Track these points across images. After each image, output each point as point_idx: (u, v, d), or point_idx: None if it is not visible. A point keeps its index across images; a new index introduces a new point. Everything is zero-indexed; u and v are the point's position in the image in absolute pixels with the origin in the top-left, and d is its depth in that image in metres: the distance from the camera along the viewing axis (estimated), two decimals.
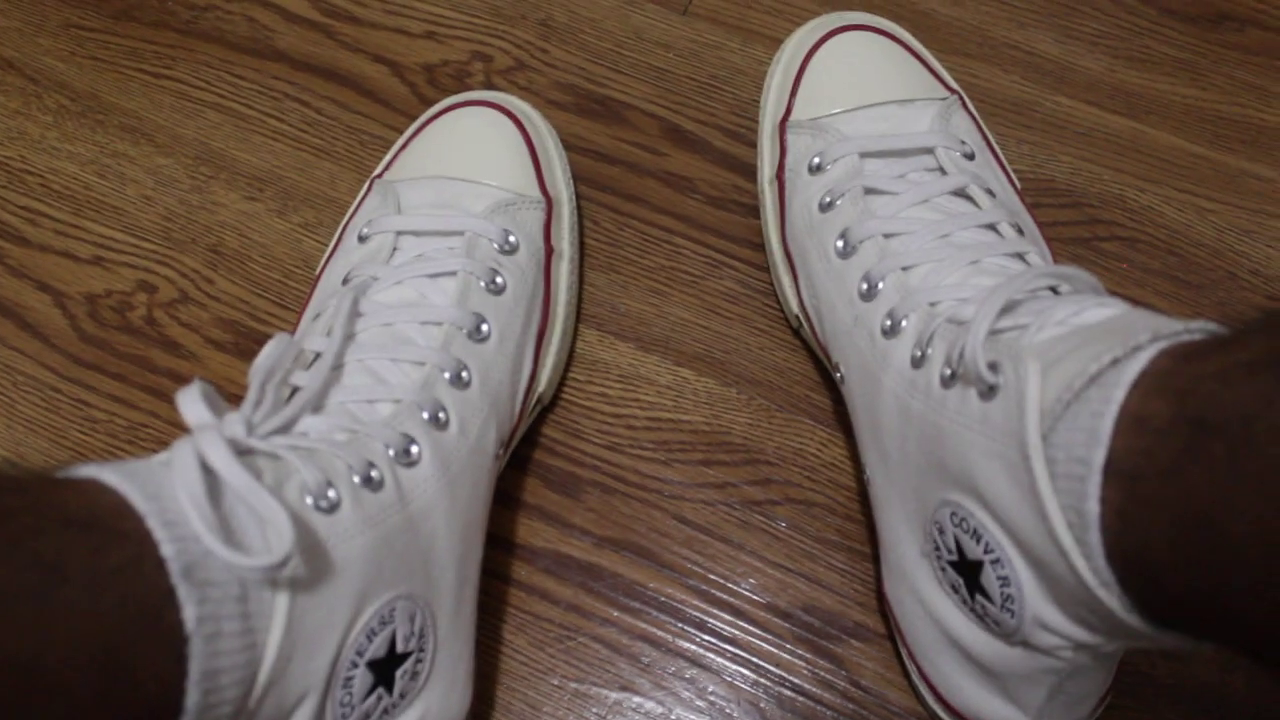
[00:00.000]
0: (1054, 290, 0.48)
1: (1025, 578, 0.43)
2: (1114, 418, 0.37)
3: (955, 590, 0.49)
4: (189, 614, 0.34)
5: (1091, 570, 0.38)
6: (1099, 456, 0.37)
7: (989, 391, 0.43)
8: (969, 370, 0.44)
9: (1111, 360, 0.38)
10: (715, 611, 0.60)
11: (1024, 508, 0.41)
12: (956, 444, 0.45)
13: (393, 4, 0.76)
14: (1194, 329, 0.39)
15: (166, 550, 0.34)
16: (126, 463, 0.37)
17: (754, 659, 0.59)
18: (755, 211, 0.68)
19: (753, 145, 0.69)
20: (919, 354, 0.49)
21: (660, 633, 0.59)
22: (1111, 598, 0.38)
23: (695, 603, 0.60)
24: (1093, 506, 0.37)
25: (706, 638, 0.59)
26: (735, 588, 0.60)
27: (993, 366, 0.43)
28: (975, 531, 0.45)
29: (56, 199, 0.70)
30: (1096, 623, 0.41)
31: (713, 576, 0.60)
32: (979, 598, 0.46)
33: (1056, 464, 0.39)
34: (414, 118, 0.65)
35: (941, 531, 0.48)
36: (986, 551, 0.44)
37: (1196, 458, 0.34)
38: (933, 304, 0.51)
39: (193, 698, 0.34)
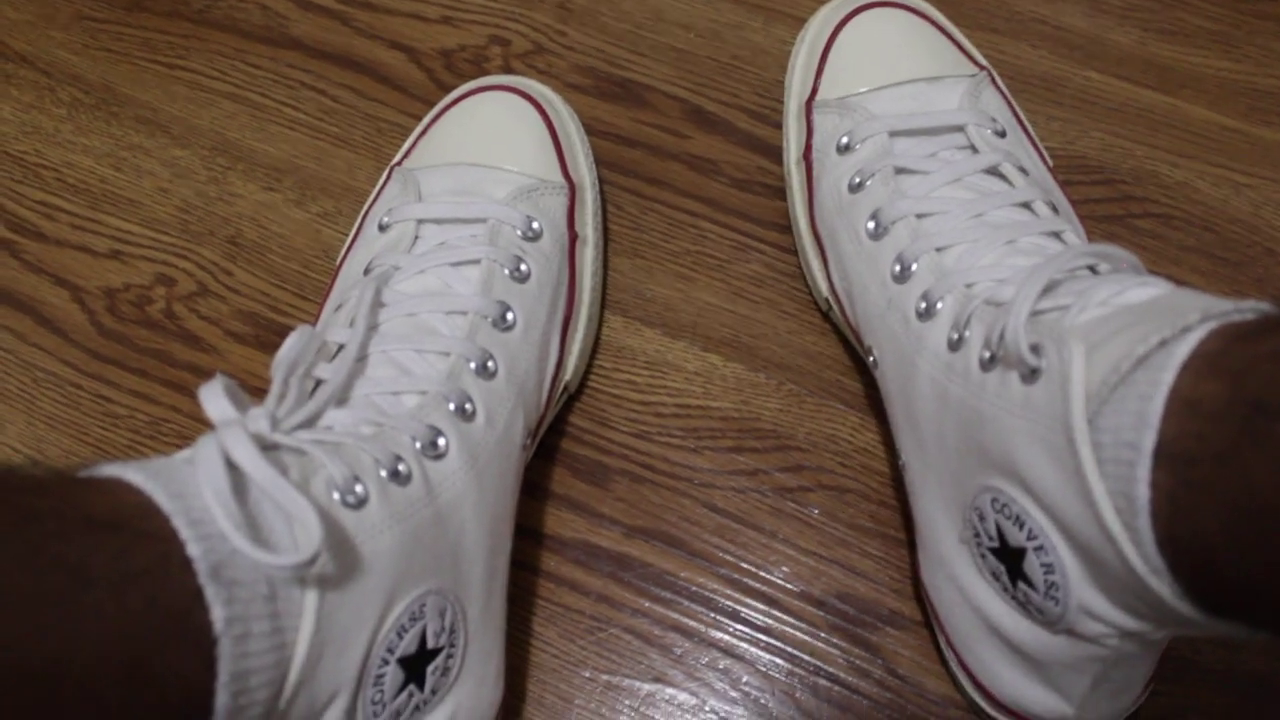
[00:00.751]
0: (1092, 269, 0.47)
1: (1070, 564, 0.42)
2: (1164, 400, 0.36)
3: (996, 577, 0.47)
4: (217, 614, 0.33)
5: (1141, 557, 0.37)
6: (1149, 440, 0.36)
7: (1031, 374, 0.42)
8: (1010, 353, 0.43)
9: (1159, 341, 0.37)
10: (748, 600, 0.59)
11: (1069, 493, 0.40)
12: (997, 428, 0.44)
13: None
14: (1244, 309, 0.37)
15: (193, 550, 0.33)
16: (150, 461, 0.36)
17: (788, 648, 0.58)
18: (781, 193, 0.67)
19: (777, 126, 0.68)
20: (956, 336, 0.48)
21: (692, 623, 0.58)
22: (1162, 585, 0.37)
23: (728, 592, 0.59)
24: (1142, 491, 0.36)
25: (739, 627, 0.58)
26: (768, 576, 0.59)
27: (1035, 349, 0.42)
28: (1018, 517, 0.44)
29: (72, 193, 0.70)
30: (1145, 610, 0.40)
31: (745, 565, 0.59)
32: (1021, 585, 0.45)
33: (1103, 448, 0.38)
34: (432, 104, 0.64)
35: (982, 518, 0.47)
36: (1030, 538, 0.43)
37: (1256, 441, 0.33)
38: (969, 285, 0.49)
39: (222, 700, 0.33)
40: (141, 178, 0.70)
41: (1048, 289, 0.44)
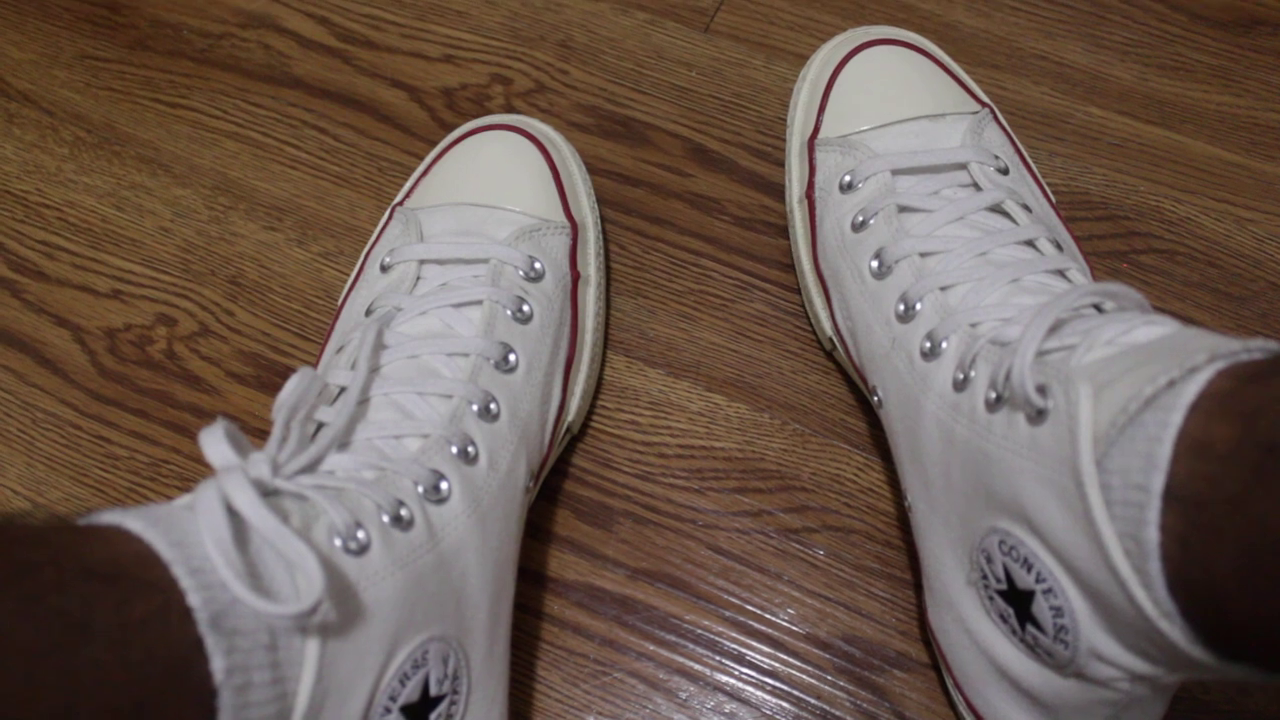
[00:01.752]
0: (1098, 308, 0.47)
1: (1080, 607, 0.42)
2: (1173, 442, 0.36)
3: (1004, 620, 0.47)
4: (217, 665, 0.33)
5: (1152, 600, 0.37)
6: (1158, 482, 0.36)
7: (1038, 416, 0.42)
8: (1016, 394, 0.42)
9: (1167, 382, 0.37)
10: (753, 643, 0.58)
11: (1078, 536, 0.39)
12: (1004, 470, 0.44)
13: (410, 28, 0.75)
14: (1253, 348, 0.37)
15: (193, 599, 0.33)
16: (149, 508, 0.36)
17: (794, 691, 0.57)
18: (784, 232, 0.66)
19: (780, 164, 0.68)
20: (961, 377, 0.48)
21: (697, 666, 0.58)
22: (1173, 629, 0.37)
23: (733, 634, 0.58)
24: (1152, 534, 0.36)
25: (745, 670, 0.58)
26: (773, 618, 0.59)
27: (1041, 389, 0.42)
28: (1026, 560, 0.43)
29: (74, 232, 0.70)
30: (1156, 654, 0.40)
31: (750, 607, 0.59)
32: (1030, 628, 0.45)
33: (1112, 490, 0.38)
34: (433, 143, 0.64)
35: (989, 560, 0.46)
36: (1038, 580, 0.43)
37: (1268, 485, 0.33)
38: (974, 324, 0.49)
39: None
40: (143, 217, 0.70)
41: (1054, 328, 0.44)
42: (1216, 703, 0.56)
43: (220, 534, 0.35)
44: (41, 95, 0.74)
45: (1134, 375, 0.38)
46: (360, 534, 0.41)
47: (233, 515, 0.36)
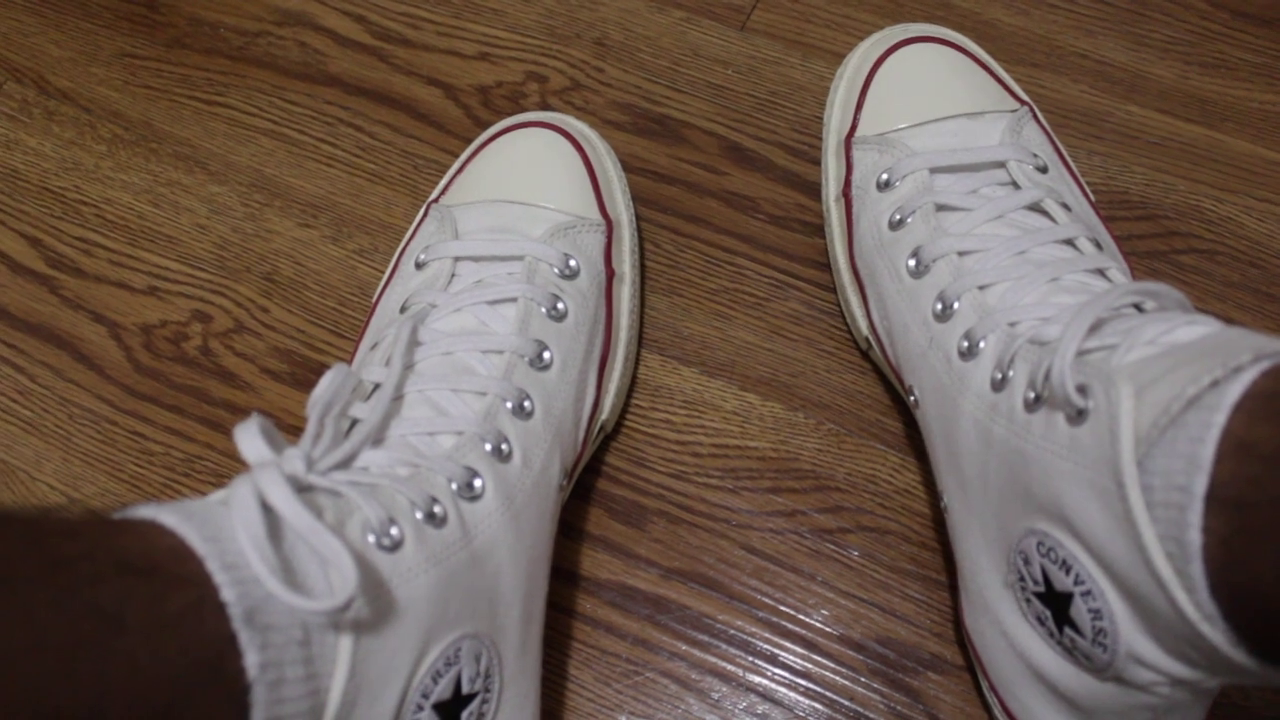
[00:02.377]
0: (1138, 307, 0.46)
1: (1119, 610, 0.41)
2: (1216, 443, 0.35)
3: (1042, 622, 0.46)
4: (251, 660, 0.33)
5: (1193, 603, 0.37)
6: (1200, 484, 0.35)
7: (1078, 416, 0.41)
8: (1056, 394, 0.42)
9: (1211, 382, 0.36)
10: (786, 644, 0.58)
11: (1118, 538, 0.39)
12: (1043, 470, 0.43)
13: (446, 26, 0.75)
14: None
15: (227, 594, 0.33)
16: (184, 503, 0.36)
17: (827, 693, 0.57)
18: (820, 231, 0.66)
19: (816, 163, 0.68)
20: (999, 376, 0.47)
21: (730, 667, 0.57)
22: (1215, 632, 0.37)
23: (766, 635, 0.58)
24: (1194, 536, 0.36)
25: (778, 671, 0.57)
26: (807, 619, 0.58)
27: (1081, 389, 0.41)
28: (1064, 562, 0.43)
29: (111, 229, 0.70)
30: (1197, 658, 0.39)
31: (783, 608, 0.59)
32: (1068, 630, 0.44)
33: (1153, 492, 0.37)
34: (469, 141, 0.64)
35: (1027, 561, 0.46)
36: (1077, 583, 0.42)
37: None
38: (1012, 324, 0.49)
39: None
40: (179, 214, 0.70)
41: (1094, 328, 0.43)
42: (1258, 708, 0.56)
43: (254, 529, 0.35)
44: (80, 93, 0.75)
45: (1176, 375, 0.38)
46: (394, 530, 0.41)
47: (267, 511, 0.36)
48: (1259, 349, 0.36)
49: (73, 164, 0.72)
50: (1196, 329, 0.41)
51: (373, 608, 0.39)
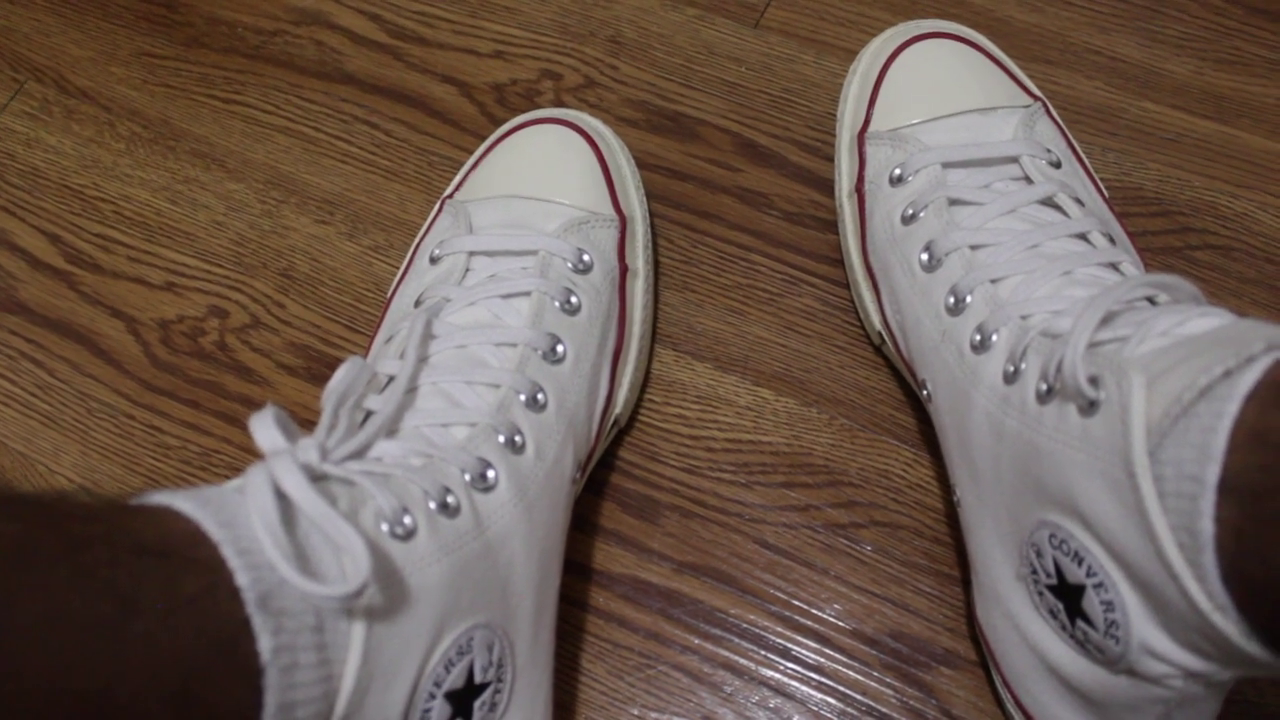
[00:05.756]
0: (1151, 301, 0.46)
1: (1131, 602, 0.41)
2: (1228, 432, 0.35)
3: (1054, 615, 0.46)
4: (264, 645, 0.33)
5: (1206, 594, 0.37)
6: (1213, 473, 0.35)
7: (1090, 407, 0.41)
8: (1068, 385, 0.42)
9: (1223, 372, 0.36)
10: (799, 638, 0.58)
11: (1130, 528, 0.39)
12: (1055, 462, 0.43)
13: (460, 24, 0.75)
14: None
15: (241, 579, 0.33)
16: (200, 489, 0.36)
17: (840, 687, 0.57)
18: (833, 226, 0.66)
19: (829, 160, 0.68)
20: (1011, 369, 0.47)
21: (743, 661, 0.58)
22: (1228, 623, 0.36)
23: (778, 629, 0.58)
24: (1206, 526, 0.36)
25: (791, 665, 0.57)
26: (820, 614, 0.58)
27: (1093, 380, 0.41)
28: (1076, 554, 0.43)
29: (129, 225, 0.70)
30: (1210, 650, 0.39)
31: (796, 602, 0.59)
32: (1080, 623, 0.44)
33: (1165, 482, 0.37)
34: (483, 138, 0.64)
35: (1039, 554, 0.46)
36: (1089, 575, 0.42)
37: None
38: (1024, 317, 0.49)
39: None
40: (197, 211, 0.71)
41: (1106, 320, 0.43)
42: (1272, 706, 0.55)
43: (269, 516, 0.35)
44: (99, 91, 0.75)
45: (1188, 365, 0.38)
46: (407, 519, 0.41)
47: (281, 498, 0.37)
48: (1271, 339, 0.36)
49: (92, 161, 0.73)
50: (1209, 320, 0.41)
51: (386, 596, 0.39)
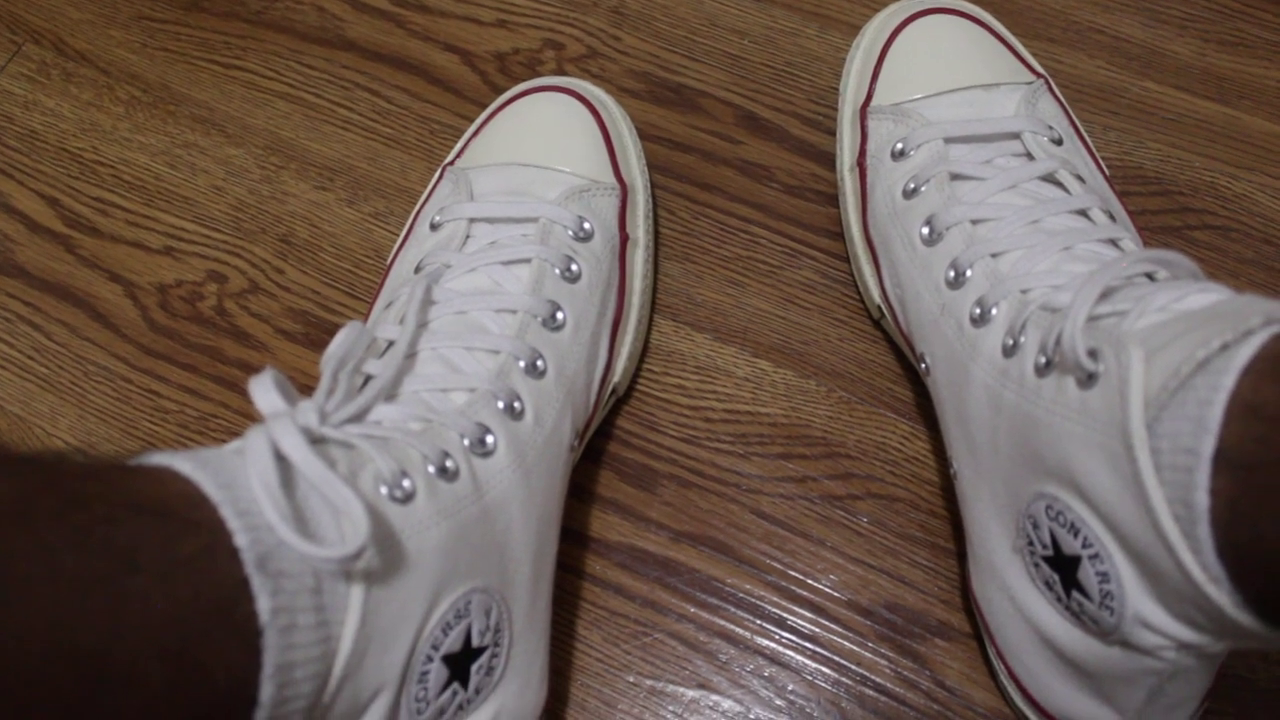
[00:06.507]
0: (1150, 276, 0.46)
1: (1126, 573, 0.41)
2: (1224, 405, 0.35)
3: (1049, 587, 0.47)
4: (263, 605, 0.33)
5: (1200, 565, 0.37)
6: (1208, 446, 0.35)
7: (1088, 380, 0.41)
8: (1066, 358, 0.42)
9: (1220, 345, 0.36)
10: (795, 608, 0.58)
11: (1126, 500, 0.39)
12: (1052, 434, 0.43)
13: None
14: None
15: (240, 540, 0.33)
16: (199, 451, 0.36)
17: (835, 657, 0.57)
18: (834, 200, 0.66)
19: (831, 133, 0.68)
20: (1011, 342, 0.48)
21: (738, 629, 0.58)
22: (1222, 594, 0.37)
23: (774, 599, 0.58)
24: (1201, 498, 0.36)
25: (786, 635, 0.58)
26: (815, 584, 0.59)
27: (1092, 354, 0.41)
28: (1072, 525, 0.43)
29: (128, 189, 0.70)
30: (1204, 621, 0.39)
31: (792, 573, 0.59)
32: (1075, 594, 0.45)
33: (1161, 454, 0.37)
34: (485, 106, 0.64)
35: (1035, 526, 0.46)
36: (1084, 546, 0.43)
37: None
38: (1024, 291, 0.49)
39: (267, 691, 0.33)
40: (196, 175, 0.70)
41: (1105, 295, 0.44)
42: (1264, 682, 0.56)
43: (268, 477, 0.35)
44: (98, 55, 0.75)
45: (1186, 339, 0.38)
46: (406, 483, 0.41)
47: (280, 460, 0.37)
48: (1269, 313, 0.37)
49: (90, 125, 0.73)
50: (1208, 296, 0.42)
51: (384, 558, 0.39)
